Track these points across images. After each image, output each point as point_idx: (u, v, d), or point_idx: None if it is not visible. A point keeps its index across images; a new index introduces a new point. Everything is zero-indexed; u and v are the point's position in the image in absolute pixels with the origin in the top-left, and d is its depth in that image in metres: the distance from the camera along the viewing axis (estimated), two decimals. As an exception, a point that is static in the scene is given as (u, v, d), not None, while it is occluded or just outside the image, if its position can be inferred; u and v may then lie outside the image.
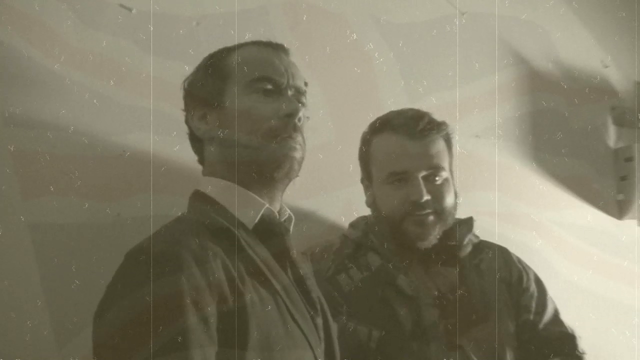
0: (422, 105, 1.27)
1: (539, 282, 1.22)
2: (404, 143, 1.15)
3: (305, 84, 0.95)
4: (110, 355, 0.69)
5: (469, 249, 1.20)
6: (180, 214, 0.90)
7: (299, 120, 0.89)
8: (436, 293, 1.12)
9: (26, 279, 1.07)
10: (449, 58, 1.64)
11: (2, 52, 1.11)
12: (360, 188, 1.27)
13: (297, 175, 0.90)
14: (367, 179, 1.23)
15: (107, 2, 1.21)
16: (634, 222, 1.86)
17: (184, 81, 0.96)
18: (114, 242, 1.12)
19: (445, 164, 1.17)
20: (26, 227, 1.09)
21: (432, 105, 1.51)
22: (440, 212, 1.14)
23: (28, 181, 1.10)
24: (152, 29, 1.24)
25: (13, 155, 1.10)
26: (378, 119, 1.22)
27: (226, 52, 0.94)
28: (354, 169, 1.27)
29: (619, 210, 1.86)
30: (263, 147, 0.86)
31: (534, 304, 1.18)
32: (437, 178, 1.15)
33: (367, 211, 1.26)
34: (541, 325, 1.16)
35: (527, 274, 1.22)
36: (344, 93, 1.45)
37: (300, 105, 0.91)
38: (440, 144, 1.17)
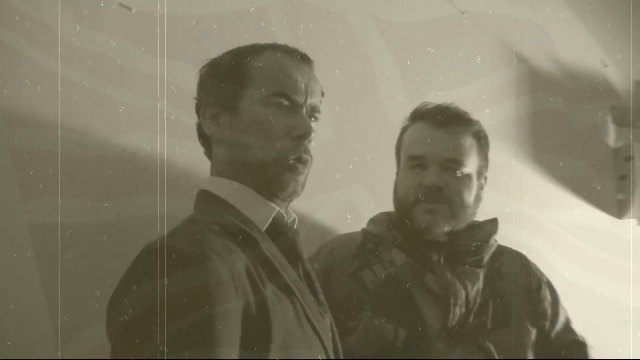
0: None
1: (553, 291, 1.21)
2: (428, 130, 1.16)
3: (322, 95, 0.94)
4: (130, 347, 0.69)
5: (493, 249, 1.19)
6: (189, 215, 0.89)
7: (310, 141, 0.88)
8: (464, 293, 1.10)
9: (26, 279, 1.08)
10: (448, 58, 1.64)
11: (2, 52, 1.11)
12: (360, 189, 1.27)
13: (299, 195, 0.90)
14: (398, 167, 1.23)
15: (107, 2, 1.21)
16: (634, 222, 1.86)
17: (202, 68, 0.93)
18: (114, 242, 1.12)
19: (469, 161, 1.15)
20: (26, 227, 1.09)
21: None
22: (453, 205, 1.12)
23: (28, 181, 1.10)
24: (151, 29, 1.24)
25: (13, 155, 1.10)
26: (415, 109, 1.22)
27: (250, 54, 0.90)
28: (354, 169, 1.27)
29: (619, 210, 1.86)
30: (271, 164, 0.85)
31: (550, 313, 1.17)
32: (457, 172, 1.13)
33: (366, 212, 1.26)
34: (553, 335, 1.15)
35: (544, 283, 1.20)
36: (344, 93, 1.45)
37: (313, 123, 0.90)
38: (467, 140, 1.15)
